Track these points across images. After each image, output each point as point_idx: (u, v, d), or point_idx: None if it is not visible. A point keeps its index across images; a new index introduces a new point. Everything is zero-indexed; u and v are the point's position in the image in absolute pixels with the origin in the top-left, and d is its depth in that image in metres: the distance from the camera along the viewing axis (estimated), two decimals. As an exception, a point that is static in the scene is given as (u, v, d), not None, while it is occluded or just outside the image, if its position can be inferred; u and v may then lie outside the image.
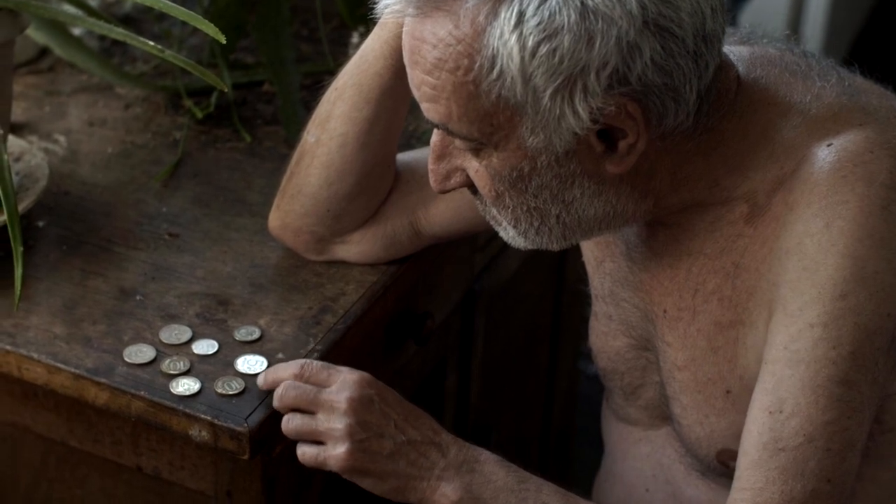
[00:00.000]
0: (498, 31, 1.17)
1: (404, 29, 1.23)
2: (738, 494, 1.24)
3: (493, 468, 1.32)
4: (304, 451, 1.32)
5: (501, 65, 1.17)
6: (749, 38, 1.36)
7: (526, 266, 1.90)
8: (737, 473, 1.25)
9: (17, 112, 1.72)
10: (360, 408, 1.30)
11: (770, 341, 1.24)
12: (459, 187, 1.30)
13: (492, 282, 1.80)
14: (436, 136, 1.29)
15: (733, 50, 1.32)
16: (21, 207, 1.46)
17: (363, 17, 1.83)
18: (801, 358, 1.22)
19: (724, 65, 1.27)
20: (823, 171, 1.23)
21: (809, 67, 1.31)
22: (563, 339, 2.11)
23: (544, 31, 1.15)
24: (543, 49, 1.16)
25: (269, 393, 1.34)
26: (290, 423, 1.32)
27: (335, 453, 1.30)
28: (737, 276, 1.28)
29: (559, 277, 2.05)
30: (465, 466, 1.31)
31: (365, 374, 1.33)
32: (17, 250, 1.34)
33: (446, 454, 1.32)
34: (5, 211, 1.33)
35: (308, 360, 1.34)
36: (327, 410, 1.31)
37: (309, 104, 1.58)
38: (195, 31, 1.87)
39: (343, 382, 1.32)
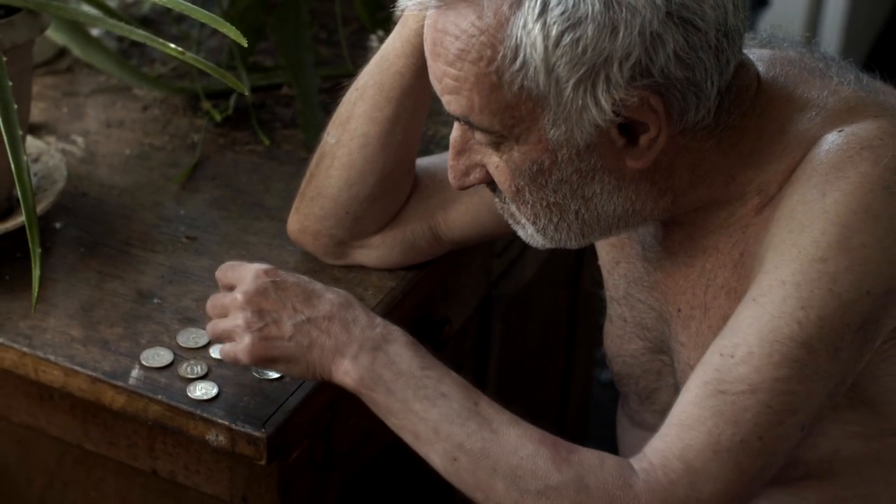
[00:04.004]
0: (522, 20, 1.16)
1: (426, 21, 1.23)
2: (664, 430, 1.21)
3: (400, 349, 1.27)
4: (222, 349, 1.33)
5: (524, 55, 1.17)
6: (769, 41, 1.37)
7: (542, 273, 1.89)
8: (671, 410, 1.22)
9: (36, 112, 1.72)
10: (255, 298, 1.30)
11: (742, 301, 1.22)
12: (478, 183, 1.29)
13: (508, 288, 1.79)
14: (456, 131, 1.28)
15: (754, 52, 1.32)
16: (39, 209, 1.46)
17: (383, 21, 1.83)
18: (767, 310, 1.19)
19: (745, 63, 1.27)
20: (830, 153, 1.23)
21: (828, 67, 1.31)
22: (578, 345, 2.11)
23: (568, 20, 1.15)
24: (567, 39, 1.15)
25: (287, 398, 1.34)
26: (208, 328, 1.34)
27: (240, 347, 1.30)
28: (741, 264, 1.28)
29: (575, 284, 2.05)
30: (370, 343, 1.27)
31: (262, 266, 1.33)
32: (35, 252, 1.33)
33: (351, 330, 1.28)
34: (23, 212, 1.33)
35: (223, 265, 1.36)
36: (231, 309, 1.31)
37: (328, 108, 1.58)
38: (214, 33, 1.87)
39: (242, 280, 1.32)
